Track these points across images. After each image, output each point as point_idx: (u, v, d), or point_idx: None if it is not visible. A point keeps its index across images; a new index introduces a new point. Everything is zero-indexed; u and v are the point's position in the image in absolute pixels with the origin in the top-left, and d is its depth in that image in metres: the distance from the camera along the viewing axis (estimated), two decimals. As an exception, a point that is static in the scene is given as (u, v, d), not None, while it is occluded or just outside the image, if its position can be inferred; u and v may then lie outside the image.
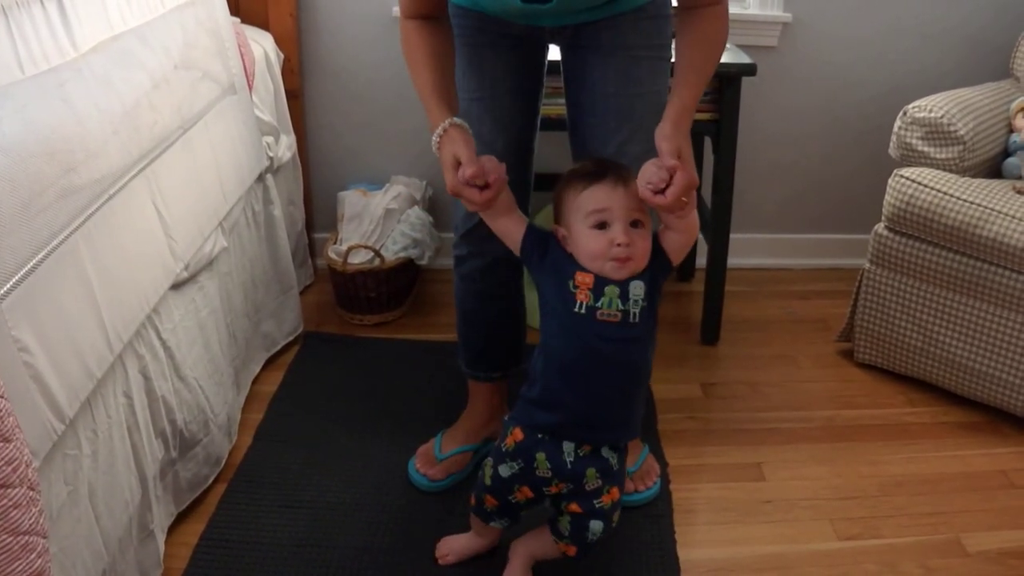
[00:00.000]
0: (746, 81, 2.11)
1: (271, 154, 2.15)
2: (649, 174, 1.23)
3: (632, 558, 1.58)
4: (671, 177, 1.22)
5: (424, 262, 2.38)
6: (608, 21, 1.48)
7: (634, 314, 1.30)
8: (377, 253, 2.28)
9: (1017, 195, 1.95)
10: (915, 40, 2.53)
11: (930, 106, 2.05)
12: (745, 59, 2.13)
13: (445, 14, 1.46)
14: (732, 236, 2.26)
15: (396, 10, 2.40)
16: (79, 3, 1.34)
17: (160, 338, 1.51)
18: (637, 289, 1.30)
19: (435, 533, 1.60)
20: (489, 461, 1.44)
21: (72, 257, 1.21)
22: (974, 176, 2.08)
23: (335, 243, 2.38)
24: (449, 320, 2.07)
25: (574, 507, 1.38)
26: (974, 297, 1.97)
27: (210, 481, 1.70)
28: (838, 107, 2.60)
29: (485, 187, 1.28)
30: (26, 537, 0.99)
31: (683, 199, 1.23)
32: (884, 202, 2.06)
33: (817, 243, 2.78)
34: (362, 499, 1.70)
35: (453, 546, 1.57)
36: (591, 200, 1.30)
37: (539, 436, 1.37)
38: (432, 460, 1.76)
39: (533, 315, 1.84)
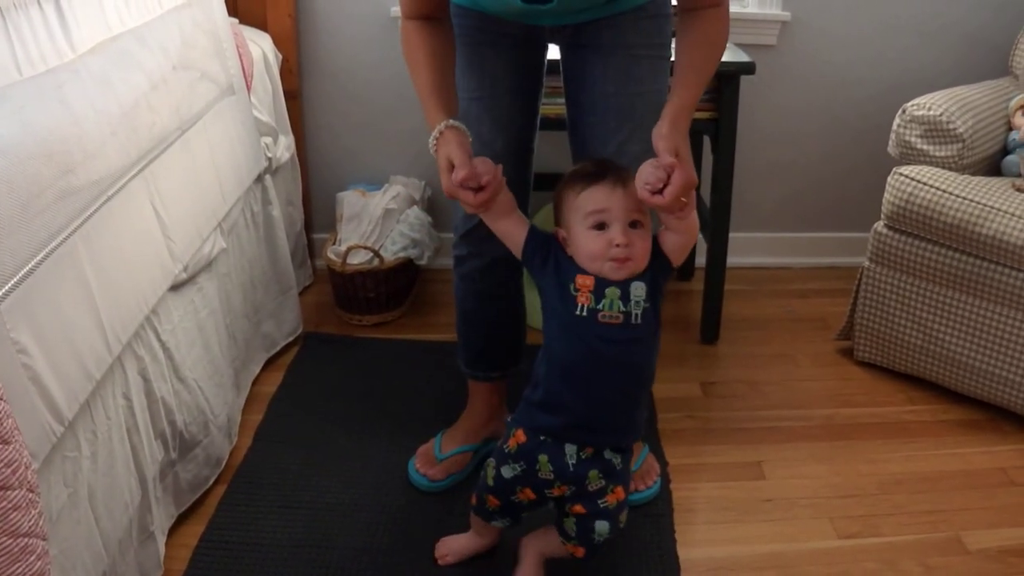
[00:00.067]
0: (745, 80, 2.11)
1: (270, 155, 2.15)
2: (646, 174, 1.23)
3: (632, 557, 1.58)
4: (669, 177, 1.22)
5: (423, 262, 2.37)
6: (608, 20, 1.48)
7: (636, 315, 1.30)
8: (376, 253, 2.28)
9: (1016, 192, 1.95)
10: (914, 38, 2.53)
11: (929, 104, 2.05)
12: (744, 58, 2.13)
13: (446, 15, 1.45)
14: (731, 235, 2.26)
15: (394, 10, 2.40)
16: (77, 4, 1.34)
17: (159, 339, 1.51)
18: (638, 290, 1.30)
19: (435, 533, 1.60)
20: (491, 462, 1.44)
21: (71, 259, 1.21)
22: (973, 174, 2.08)
23: (334, 243, 2.38)
24: (448, 320, 2.07)
25: (578, 508, 1.38)
26: (974, 295, 1.97)
27: (210, 482, 1.70)
28: (837, 105, 2.60)
29: (480, 189, 1.28)
30: (25, 539, 0.99)
31: (682, 199, 1.23)
32: (883, 200, 2.06)
33: (816, 242, 2.78)
34: (361, 500, 1.70)
35: (452, 546, 1.56)
36: (590, 201, 1.29)
37: (541, 438, 1.37)
38: (432, 460, 1.76)
39: (533, 315, 1.84)
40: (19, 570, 0.97)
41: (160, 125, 1.53)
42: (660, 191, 1.22)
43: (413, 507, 1.69)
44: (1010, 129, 2.17)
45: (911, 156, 2.09)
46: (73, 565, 1.20)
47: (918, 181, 1.99)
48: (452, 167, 1.28)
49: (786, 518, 1.71)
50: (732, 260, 2.32)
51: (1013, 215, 1.87)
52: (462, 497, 1.67)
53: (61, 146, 1.20)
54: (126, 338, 1.37)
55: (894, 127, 2.12)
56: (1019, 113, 2.16)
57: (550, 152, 1.90)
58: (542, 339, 1.37)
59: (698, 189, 1.67)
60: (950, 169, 2.05)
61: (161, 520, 1.52)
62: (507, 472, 1.40)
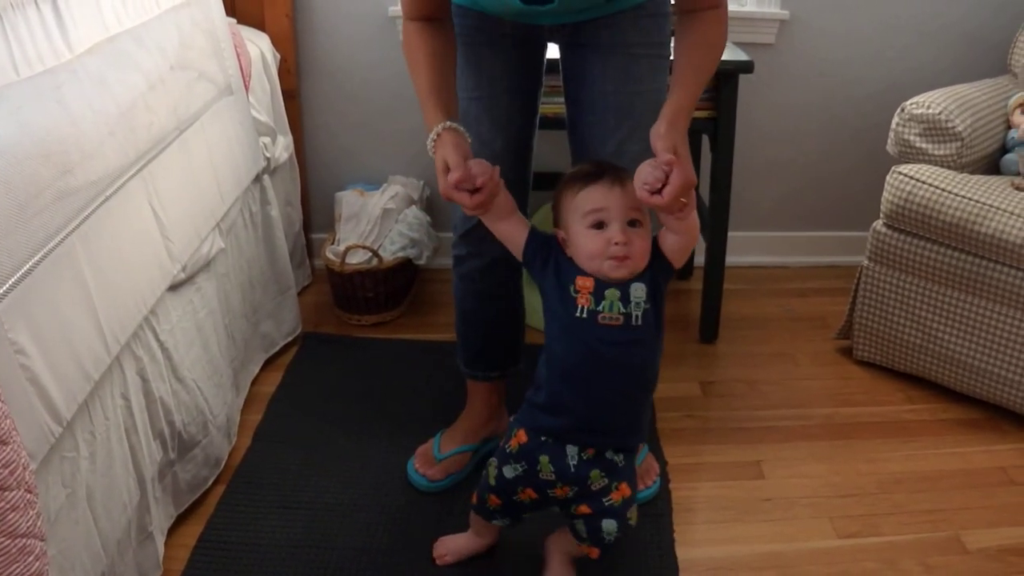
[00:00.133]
0: (743, 78, 2.10)
1: (268, 155, 2.15)
2: (645, 174, 1.22)
3: (631, 557, 1.58)
4: (667, 177, 1.21)
5: (422, 262, 2.37)
6: (607, 19, 1.47)
7: (636, 316, 1.29)
8: (375, 253, 2.28)
9: (1015, 191, 1.95)
10: (913, 37, 2.53)
11: (928, 102, 2.05)
12: (743, 56, 2.13)
13: (447, 16, 1.45)
14: (730, 234, 2.26)
15: (392, 10, 2.40)
16: (74, 4, 1.34)
17: (158, 340, 1.51)
18: (638, 291, 1.29)
19: (434, 534, 1.60)
20: (493, 461, 1.44)
21: (68, 259, 1.21)
22: (972, 172, 2.08)
23: (333, 243, 2.38)
24: (447, 320, 2.07)
25: (584, 509, 1.38)
26: (973, 294, 1.97)
27: (209, 483, 1.70)
28: (836, 104, 2.60)
29: (476, 191, 1.28)
30: (23, 540, 0.99)
31: (681, 200, 1.22)
32: (882, 199, 2.06)
33: (815, 240, 2.78)
34: (360, 500, 1.70)
35: (451, 546, 1.56)
36: (588, 200, 1.29)
37: (542, 439, 1.37)
38: (431, 460, 1.75)
39: (532, 315, 1.84)
40: (17, 571, 0.97)
41: (158, 125, 1.53)
42: (659, 191, 1.21)
43: (412, 507, 1.69)
44: (1009, 127, 2.17)
45: (910, 155, 2.09)
46: (72, 565, 1.20)
47: (917, 180, 1.99)
48: (448, 169, 1.28)
49: (785, 518, 1.71)
50: (731, 259, 2.32)
51: (1012, 214, 1.87)
52: (461, 497, 1.67)
53: (59, 146, 1.20)
54: (124, 338, 1.36)
55: (893, 126, 2.12)
56: (1018, 111, 2.16)
57: (549, 151, 1.90)
58: (542, 339, 1.37)
59: (697, 188, 1.67)
60: (949, 168, 2.05)
61: (160, 520, 1.52)
62: (509, 472, 1.40)
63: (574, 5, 1.42)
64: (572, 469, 1.35)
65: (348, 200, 2.43)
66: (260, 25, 2.36)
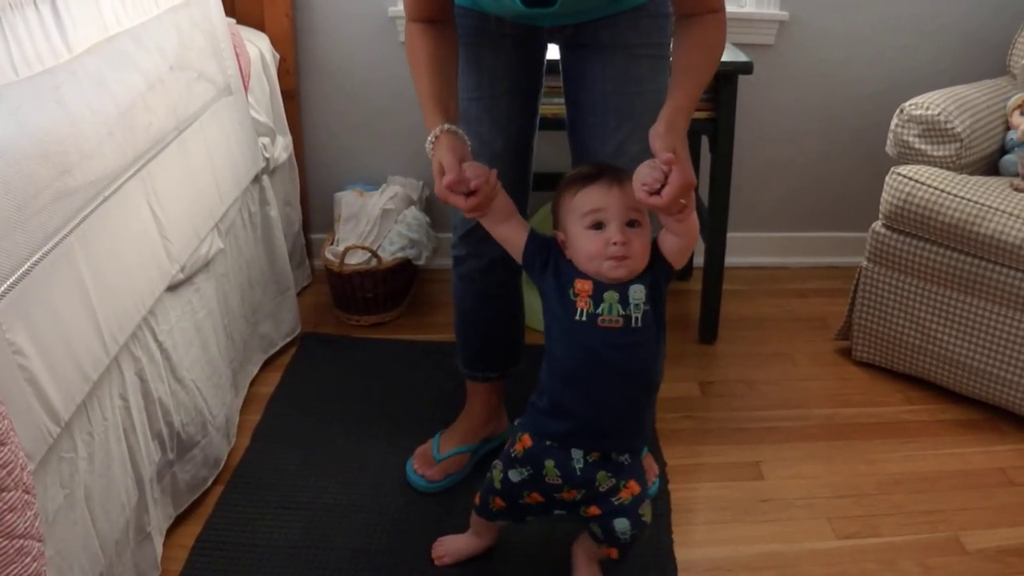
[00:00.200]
0: (743, 79, 2.11)
1: (267, 155, 2.14)
2: (644, 175, 1.22)
3: (630, 557, 1.58)
4: (666, 177, 1.21)
5: (421, 262, 2.37)
6: (608, 20, 1.47)
7: (636, 319, 1.29)
8: (374, 254, 2.28)
9: (1014, 192, 1.95)
10: (912, 37, 2.53)
11: (927, 103, 2.05)
12: (742, 57, 2.13)
13: (450, 18, 1.45)
14: (729, 235, 2.26)
15: (392, 10, 2.40)
16: (73, 4, 1.33)
17: (156, 340, 1.51)
18: (637, 293, 1.29)
19: (433, 534, 1.60)
20: (498, 464, 1.43)
21: (67, 259, 1.21)
22: (971, 173, 2.08)
23: (332, 244, 2.37)
24: (446, 320, 2.07)
25: (594, 510, 1.38)
26: (972, 294, 1.97)
27: (208, 483, 1.70)
28: (835, 105, 2.60)
29: (471, 194, 1.27)
30: (21, 541, 0.98)
31: (681, 201, 1.22)
32: (881, 200, 2.06)
33: (815, 241, 2.78)
34: (359, 500, 1.70)
35: (450, 547, 1.56)
36: (586, 201, 1.29)
37: (547, 443, 1.37)
38: (430, 461, 1.75)
39: (532, 316, 1.84)
40: (15, 572, 0.97)
41: (157, 125, 1.53)
42: (658, 192, 1.21)
43: (411, 508, 1.69)
44: (1008, 128, 2.17)
45: (909, 155, 2.09)
46: (70, 566, 1.20)
47: (916, 181, 1.99)
48: (444, 172, 1.28)
49: (784, 518, 1.71)
50: (730, 260, 2.32)
51: (1011, 214, 1.87)
52: (460, 498, 1.67)
53: (58, 146, 1.20)
54: (123, 339, 1.36)
55: (892, 127, 2.12)
56: (1017, 112, 2.16)
57: (549, 152, 1.90)
58: (542, 340, 1.37)
59: (696, 189, 1.67)
60: (948, 168, 2.05)
61: (158, 521, 1.52)
62: (515, 476, 1.40)
63: (575, 7, 1.42)
64: (578, 472, 1.35)
65: (347, 200, 2.43)
66: (259, 25, 2.36)
